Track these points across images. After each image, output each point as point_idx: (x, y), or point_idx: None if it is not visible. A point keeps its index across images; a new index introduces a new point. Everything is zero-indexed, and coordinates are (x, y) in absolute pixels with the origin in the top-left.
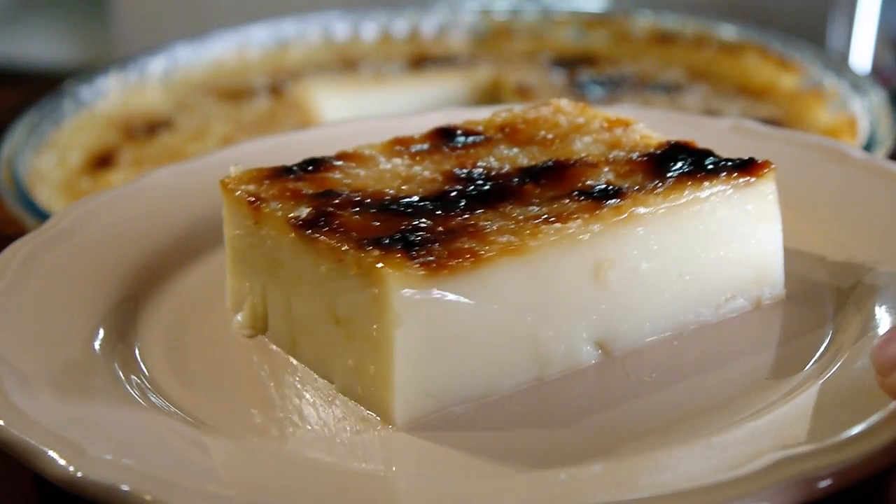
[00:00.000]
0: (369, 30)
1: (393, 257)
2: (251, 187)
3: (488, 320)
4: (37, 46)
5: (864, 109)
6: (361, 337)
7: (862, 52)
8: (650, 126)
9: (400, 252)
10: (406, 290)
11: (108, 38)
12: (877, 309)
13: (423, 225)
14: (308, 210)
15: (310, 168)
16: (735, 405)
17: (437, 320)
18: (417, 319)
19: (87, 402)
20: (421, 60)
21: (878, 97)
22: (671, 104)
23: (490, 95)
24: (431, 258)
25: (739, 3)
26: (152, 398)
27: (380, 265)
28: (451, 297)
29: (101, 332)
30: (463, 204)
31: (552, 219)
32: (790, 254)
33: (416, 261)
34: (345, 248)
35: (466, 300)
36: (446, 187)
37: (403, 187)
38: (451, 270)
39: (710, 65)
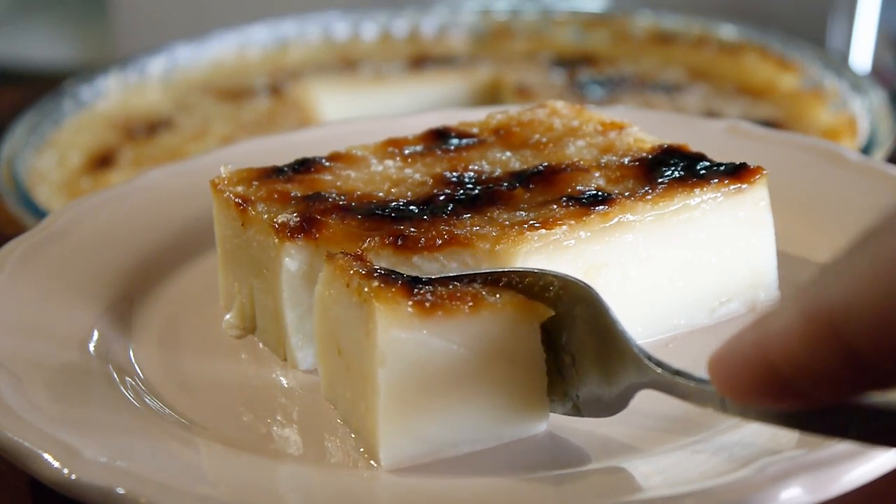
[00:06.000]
0: (369, 30)
1: (387, 293)
2: (240, 189)
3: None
4: (37, 46)
5: (864, 109)
6: (355, 370)
7: (862, 52)
8: (646, 128)
9: (395, 288)
10: (395, 330)
11: (108, 38)
12: None
13: (408, 232)
14: (293, 217)
15: (300, 168)
16: None
17: (427, 361)
18: (406, 359)
19: (82, 404)
20: (421, 60)
21: (878, 97)
22: (671, 104)
23: (490, 95)
24: (426, 299)
25: (739, 3)
26: (147, 400)
27: (372, 296)
28: (441, 341)
29: (96, 334)
30: (450, 208)
31: (537, 224)
32: (786, 256)
33: (411, 300)
34: (351, 272)
35: (458, 345)
36: (435, 191)
37: (393, 190)
38: (447, 312)
39: (710, 65)
